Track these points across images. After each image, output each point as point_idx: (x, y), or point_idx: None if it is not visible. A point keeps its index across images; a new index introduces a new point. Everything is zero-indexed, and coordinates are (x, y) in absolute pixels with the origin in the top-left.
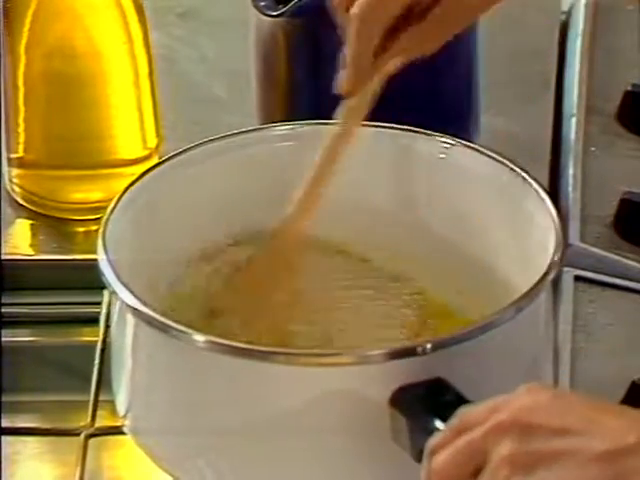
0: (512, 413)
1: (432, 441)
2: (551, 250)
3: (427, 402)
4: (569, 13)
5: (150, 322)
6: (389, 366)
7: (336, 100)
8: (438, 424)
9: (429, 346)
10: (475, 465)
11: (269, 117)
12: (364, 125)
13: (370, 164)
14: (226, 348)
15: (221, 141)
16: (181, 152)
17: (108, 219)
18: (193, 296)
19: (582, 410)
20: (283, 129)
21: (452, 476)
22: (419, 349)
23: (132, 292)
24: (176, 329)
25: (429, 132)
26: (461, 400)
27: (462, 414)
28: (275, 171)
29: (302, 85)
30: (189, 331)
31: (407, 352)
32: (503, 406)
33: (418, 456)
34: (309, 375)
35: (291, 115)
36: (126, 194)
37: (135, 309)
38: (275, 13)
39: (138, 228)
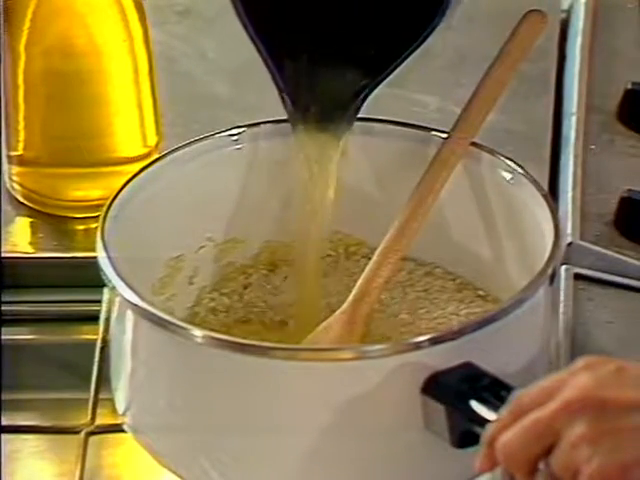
0: (580, 390)
1: (491, 427)
2: (550, 247)
3: (462, 386)
4: (569, 11)
5: (150, 318)
6: (417, 355)
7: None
8: (477, 407)
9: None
10: (544, 445)
11: None
12: (363, 120)
13: (370, 164)
14: (225, 344)
15: (217, 137)
16: (178, 149)
17: (106, 216)
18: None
19: None
20: (279, 126)
21: (519, 456)
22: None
23: (132, 288)
24: (176, 325)
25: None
26: (496, 382)
27: (518, 397)
28: (273, 167)
29: None
30: (189, 327)
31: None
32: (563, 385)
33: (458, 441)
34: (310, 371)
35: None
36: (123, 191)
37: (135, 305)
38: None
39: (137, 225)
